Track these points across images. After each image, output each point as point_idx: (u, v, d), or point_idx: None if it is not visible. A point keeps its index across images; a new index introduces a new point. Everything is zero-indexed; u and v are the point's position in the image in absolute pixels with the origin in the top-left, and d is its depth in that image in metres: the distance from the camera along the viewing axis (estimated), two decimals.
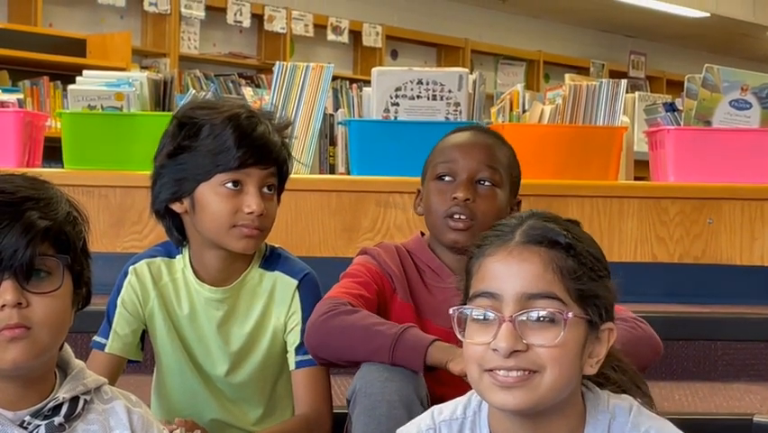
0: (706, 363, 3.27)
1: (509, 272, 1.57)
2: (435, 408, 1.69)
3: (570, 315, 1.54)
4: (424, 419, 1.68)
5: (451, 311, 1.60)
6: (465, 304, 1.60)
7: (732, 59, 11.07)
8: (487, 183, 2.27)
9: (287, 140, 2.25)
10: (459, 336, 1.60)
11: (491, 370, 1.55)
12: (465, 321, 1.59)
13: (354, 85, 7.06)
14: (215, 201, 2.15)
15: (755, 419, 2.68)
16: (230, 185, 2.14)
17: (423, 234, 2.39)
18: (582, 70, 11.62)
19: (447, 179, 2.28)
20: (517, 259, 1.57)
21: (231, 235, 2.16)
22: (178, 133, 2.19)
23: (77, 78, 3.72)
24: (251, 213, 2.14)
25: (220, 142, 2.14)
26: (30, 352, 1.58)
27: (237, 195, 2.15)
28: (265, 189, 2.18)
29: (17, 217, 1.57)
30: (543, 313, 1.54)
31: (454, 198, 2.24)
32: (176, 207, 2.20)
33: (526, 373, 1.54)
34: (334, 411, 2.27)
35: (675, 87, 12.21)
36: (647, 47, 12.82)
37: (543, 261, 1.56)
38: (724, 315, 3.36)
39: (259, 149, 2.16)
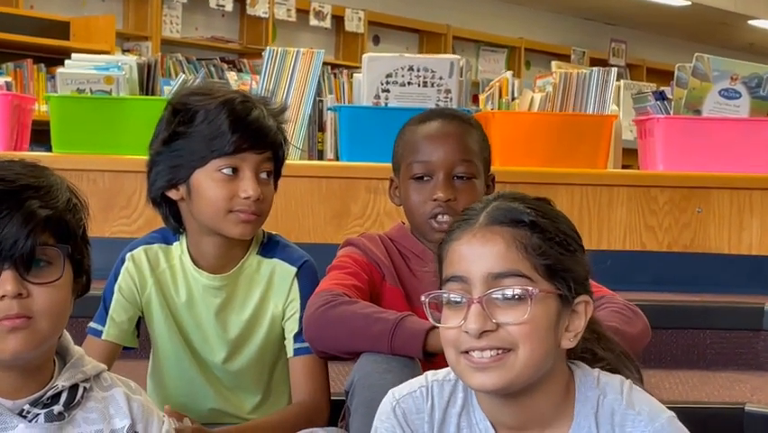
0: (695, 352, 3.28)
1: (474, 254, 1.59)
2: (430, 371, 1.71)
3: (536, 291, 1.56)
4: (417, 379, 1.70)
5: (423, 297, 1.63)
6: (440, 289, 1.62)
7: (713, 49, 11.07)
8: (464, 177, 2.26)
9: (282, 125, 2.23)
10: (433, 322, 1.63)
11: (466, 352, 1.57)
12: (441, 306, 1.62)
13: (345, 71, 7.05)
14: (211, 187, 2.13)
15: (747, 407, 2.69)
16: (226, 170, 2.12)
17: (403, 222, 2.39)
18: (563, 58, 11.61)
19: (425, 178, 2.26)
20: (481, 240, 1.59)
21: (227, 221, 2.14)
22: (173, 120, 2.17)
23: (66, 62, 3.69)
24: (247, 198, 2.12)
25: (214, 127, 2.12)
26: (30, 342, 1.56)
27: (233, 180, 2.13)
28: (262, 175, 2.16)
29: (17, 206, 1.54)
30: (509, 291, 1.56)
31: (435, 199, 2.24)
32: (172, 194, 2.18)
33: (500, 352, 1.56)
34: (332, 399, 2.26)
35: (655, 75, 12.24)
36: (628, 35, 12.84)
37: (506, 240, 1.58)
38: (713, 304, 3.37)
39: (254, 133, 2.14)
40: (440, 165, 2.25)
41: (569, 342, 1.61)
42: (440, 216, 2.24)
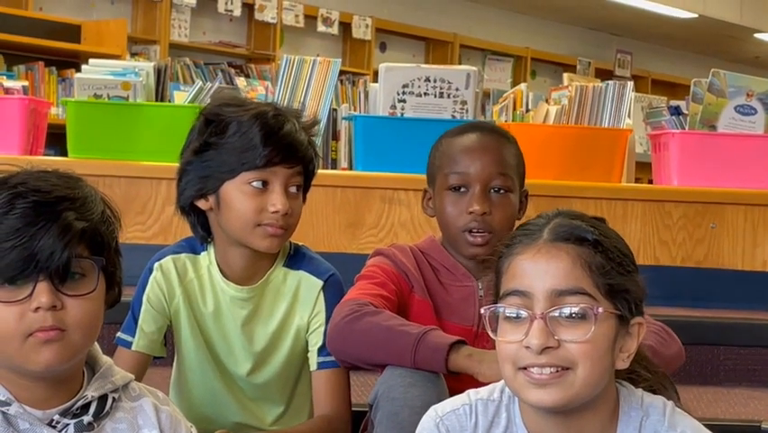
0: (708, 368, 3.27)
1: (539, 270, 1.58)
2: (472, 390, 1.71)
3: (600, 310, 1.56)
4: (460, 397, 1.70)
5: (482, 310, 1.62)
6: (496, 303, 1.62)
7: (718, 62, 11.09)
8: (501, 191, 2.26)
9: (313, 138, 2.23)
10: (491, 335, 1.62)
11: (525, 368, 1.57)
12: (497, 320, 1.61)
13: (352, 78, 7.06)
14: (240, 199, 2.13)
15: (764, 426, 2.68)
16: (256, 183, 2.12)
17: (434, 235, 2.38)
18: (569, 68, 11.62)
19: (461, 190, 2.26)
20: (546, 256, 1.59)
21: (255, 234, 2.14)
22: (205, 130, 2.17)
23: (84, 67, 3.69)
24: (275, 212, 2.12)
25: (246, 139, 2.12)
26: (63, 354, 1.55)
27: (262, 193, 2.13)
28: (291, 189, 2.16)
29: (54, 218, 1.53)
30: (573, 309, 1.56)
31: (471, 211, 2.23)
32: (201, 203, 2.18)
33: (559, 369, 1.56)
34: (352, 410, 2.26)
35: (660, 87, 12.26)
36: (633, 46, 12.85)
37: (571, 257, 1.58)
38: (727, 320, 3.37)
39: (285, 147, 2.14)
40: (477, 177, 2.25)
41: (622, 363, 1.62)
42: (475, 231, 2.24)
